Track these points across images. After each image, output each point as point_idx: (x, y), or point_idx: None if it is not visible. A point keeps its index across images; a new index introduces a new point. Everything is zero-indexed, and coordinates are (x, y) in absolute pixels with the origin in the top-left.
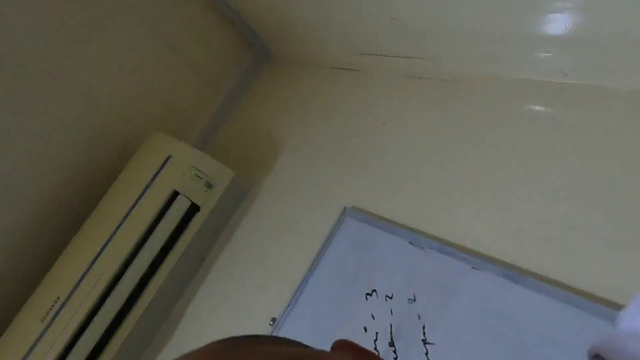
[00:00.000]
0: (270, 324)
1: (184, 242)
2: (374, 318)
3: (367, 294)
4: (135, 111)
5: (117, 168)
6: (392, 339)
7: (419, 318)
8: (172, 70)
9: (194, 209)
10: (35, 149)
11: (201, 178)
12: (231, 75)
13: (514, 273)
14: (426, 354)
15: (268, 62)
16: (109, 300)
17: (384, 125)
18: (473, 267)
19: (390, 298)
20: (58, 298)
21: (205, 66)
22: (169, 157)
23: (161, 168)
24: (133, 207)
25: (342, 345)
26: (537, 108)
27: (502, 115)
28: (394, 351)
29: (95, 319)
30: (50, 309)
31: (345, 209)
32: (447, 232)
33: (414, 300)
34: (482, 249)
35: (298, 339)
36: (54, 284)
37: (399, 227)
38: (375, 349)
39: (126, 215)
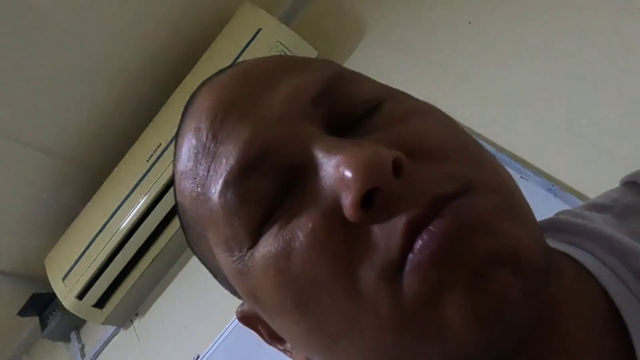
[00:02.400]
0: None
1: None
2: None
3: None
4: None
5: (210, 37)
6: None
7: None
8: None
9: None
10: (133, 12)
11: (286, 54)
12: None
13: (557, 188)
14: None
15: None
16: None
17: (469, 23)
18: (521, 177)
19: None
20: (160, 144)
21: None
22: (259, 30)
23: (251, 40)
24: None
25: None
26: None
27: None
28: None
29: None
30: (154, 152)
31: None
32: (502, 138)
33: None
34: (532, 159)
35: None
36: (157, 132)
37: None
38: None
39: None
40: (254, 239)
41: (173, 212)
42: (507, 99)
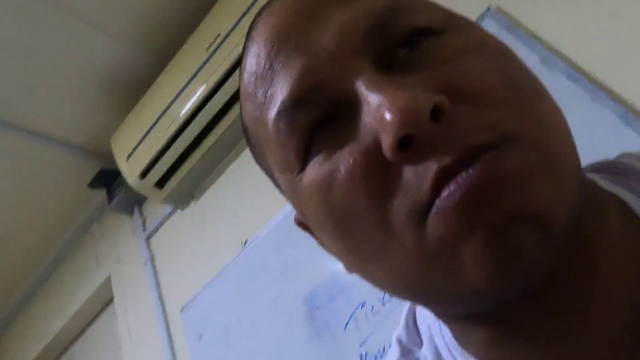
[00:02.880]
0: None
1: None
2: None
3: None
4: None
5: None
6: None
7: None
8: None
9: None
10: None
11: None
12: None
13: (631, 116)
14: None
15: None
16: None
17: None
18: (594, 100)
19: None
20: (219, 34)
21: None
22: None
23: None
24: None
25: None
26: None
27: None
28: None
29: None
30: (213, 42)
31: (489, 8)
32: (580, 56)
33: None
34: (608, 81)
35: None
36: (216, 21)
37: (535, 40)
38: None
39: None
40: (303, 165)
41: (230, 102)
42: (585, 7)
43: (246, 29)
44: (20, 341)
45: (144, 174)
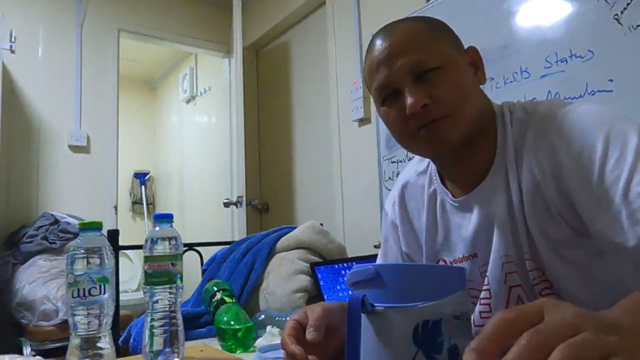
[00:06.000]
0: None
1: None
2: None
3: None
4: None
5: None
6: None
7: None
8: None
9: None
10: None
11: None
12: None
13: None
14: None
15: None
16: None
17: None
18: None
19: None
20: None
21: None
22: None
23: None
24: None
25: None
26: None
27: None
28: None
29: None
30: None
31: None
32: None
33: None
34: None
35: None
36: None
37: None
38: None
39: None
40: (381, 106)
41: None
42: None
43: None
44: (254, 18)
45: None
